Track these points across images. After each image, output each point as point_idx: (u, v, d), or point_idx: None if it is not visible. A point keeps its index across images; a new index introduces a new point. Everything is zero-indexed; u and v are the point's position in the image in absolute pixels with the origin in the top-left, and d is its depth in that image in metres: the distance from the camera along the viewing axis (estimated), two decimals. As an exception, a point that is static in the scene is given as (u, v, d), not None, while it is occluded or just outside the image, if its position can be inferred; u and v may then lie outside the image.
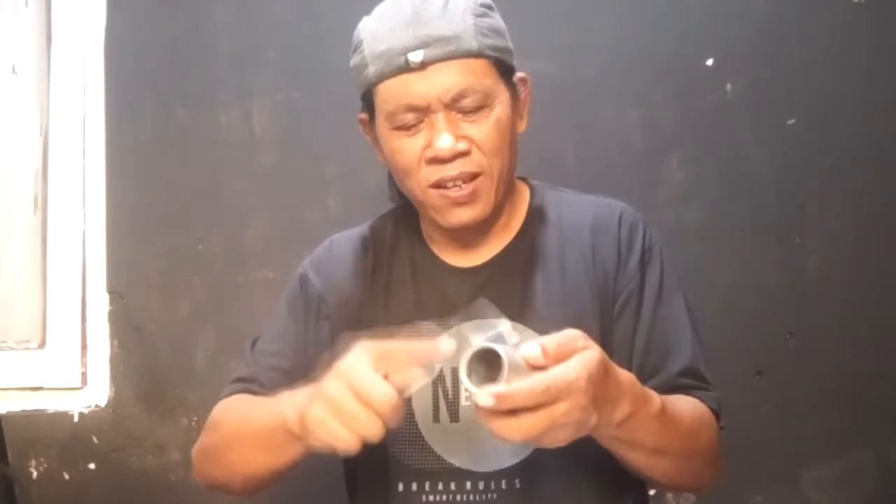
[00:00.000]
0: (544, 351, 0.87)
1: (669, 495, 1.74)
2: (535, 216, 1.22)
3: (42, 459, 1.77)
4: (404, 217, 1.26)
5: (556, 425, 0.86)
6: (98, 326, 1.80)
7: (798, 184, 1.78)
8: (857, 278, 1.76)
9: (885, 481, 1.73)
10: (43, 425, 1.77)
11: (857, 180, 1.78)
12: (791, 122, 1.79)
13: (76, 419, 1.78)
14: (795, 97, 1.79)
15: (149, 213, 1.82)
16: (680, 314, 1.17)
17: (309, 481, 1.41)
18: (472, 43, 1.09)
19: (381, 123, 1.14)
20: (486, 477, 1.12)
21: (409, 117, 1.11)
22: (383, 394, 0.88)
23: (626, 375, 0.96)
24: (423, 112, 1.10)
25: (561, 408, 0.85)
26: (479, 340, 0.86)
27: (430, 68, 1.08)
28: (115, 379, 1.79)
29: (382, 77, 1.10)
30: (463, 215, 1.13)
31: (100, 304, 1.81)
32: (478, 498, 1.12)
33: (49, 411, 1.78)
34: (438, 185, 1.12)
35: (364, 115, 1.19)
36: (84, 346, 1.80)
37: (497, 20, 1.15)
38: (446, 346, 0.90)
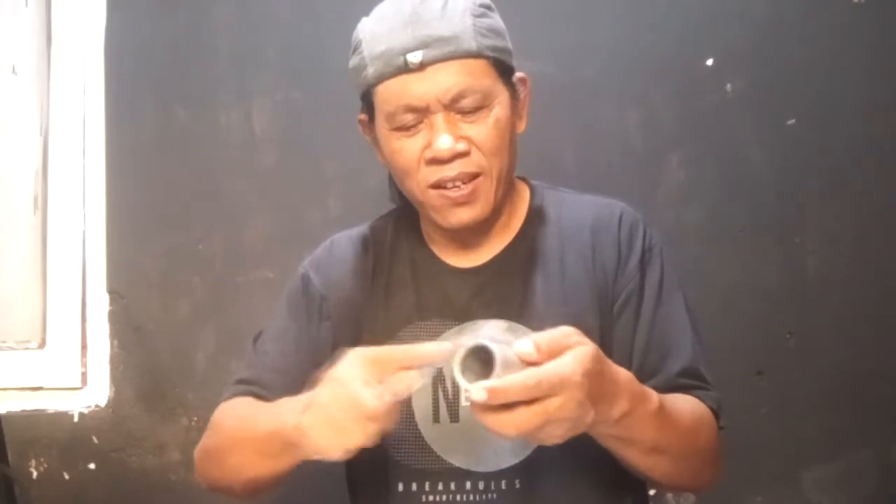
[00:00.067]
0: (537, 347, 0.87)
1: (669, 495, 1.74)
2: (535, 216, 1.22)
3: (42, 459, 1.77)
4: (404, 217, 1.26)
5: (551, 420, 0.86)
6: (98, 326, 1.80)
7: (798, 184, 1.78)
8: (857, 278, 1.76)
9: (885, 481, 1.73)
10: (43, 425, 1.77)
11: (857, 180, 1.78)
12: (791, 122, 1.79)
13: (76, 419, 1.78)
14: (795, 97, 1.79)
15: (149, 213, 1.82)
16: (680, 314, 1.17)
17: (310, 482, 1.41)
18: (471, 43, 1.09)
19: (381, 124, 1.14)
20: (486, 477, 1.12)
21: (409, 118, 1.11)
22: (373, 400, 0.88)
23: (622, 373, 0.96)
24: (422, 113, 1.10)
25: (555, 402, 0.85)
26: (472, 339, 0.87)
27: (430, 69, 1.08)
28: (115, 379, 1.79)
29: (382, 78, 1.11)
30: (463, 215, 1.13)
31: (100, 304, 1.81)
32: (478, 498, 1.12)
33: (49, 411, 1.78)
34: (438, 185, 1.12)
35: (363, 116, 1.19)
36: (84, 346, 1.80)
37: (496, 20, 1.15)
38: (440, 349, 0.90)
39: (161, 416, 1.78)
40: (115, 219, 1.82)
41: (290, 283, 1.26)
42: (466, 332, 1.13)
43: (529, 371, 0.86)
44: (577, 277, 1.16)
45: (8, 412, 1.69)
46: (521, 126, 1.19)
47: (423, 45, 1.08)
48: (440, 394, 1.14)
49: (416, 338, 1.15)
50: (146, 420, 1.79)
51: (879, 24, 1.78)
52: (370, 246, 1.24)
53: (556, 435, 0.89)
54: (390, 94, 1.11)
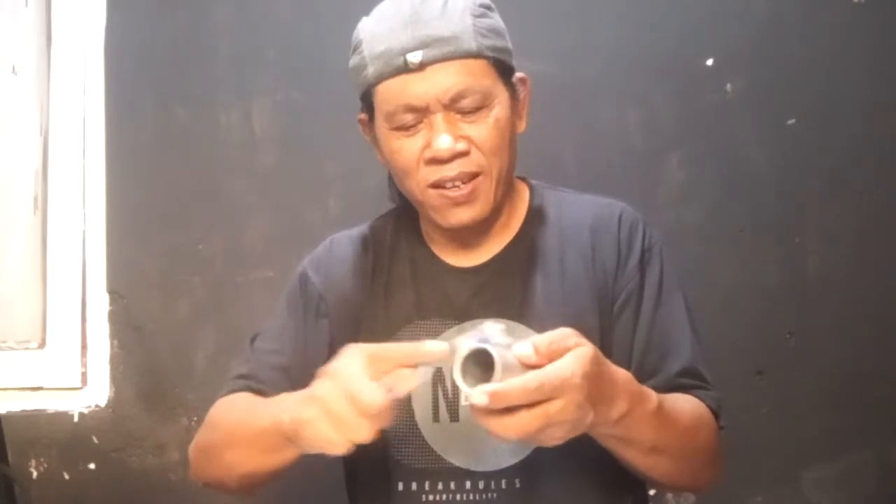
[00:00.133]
0: (536, 349, 0.87)
1: (669, 495, 1.74)
2: (535, 216, 1.22)
3: (42, 459, 1.77)
4: (404, 217, 1.26)
5: (551, 422, 0.86)
6: (98, 326, 1.80)
7: (798, 184, 1.78)
8: (857, 278, 1.76)
9: (885, 481, 1.73)
10: (43, 425, 1.77)
11: (857, 180, 1.78)
12: (791, 122, 1.79)
13: (76, 419, 1.78)
14: (795, 97, 1.79)
15: (149, 213, 1.82)
16: (679, 314, 1.17)
17: (309, 481, 1.41)
18: (470, 43, 1.09)
19: (381, 124, 1.14)
20: (486, 476, 1.12)
21: (408, 118, 1.11)
22: (372, 396, 0.88)
23: (621, 373, 0.96)
24: (422, 112, 1.10)
25: (556, 405, 0.86)
26: (472, 342, 0.87)
27: (429, 69, 1.08)
28: (115, 379, 1.79)
29: (381, 77, 1.11)
30: (462, 215, 1.13)
31: (100, 304, 1.81)
32: (478, 497, 1.12)
33: (49, 411, 1.78)
34: (437, 185, 1.12)
35: (363, 116, 1.19)
36: (84, 346, 1.80)
37: (496, 20, 1.15)
38: (438, 347, 0.90)
39: (161, 416, 1.79)
40: (115, 219, 1.82)
41: (289, 282, 1.26)
42: (466, 331, 1.13)
43: (530, 374, 0.86)
44: (576, 277, 1.16)
45: (8, 412, 1.69)
46: (521, 126, 1.19)
47: (422, 45, 1.08)
48: (440, 393, 1.14)
49: (415, 337, 1.14)
50: (146, 420, 1.79)
51: (879, 24, 1.78)
52: (370, 245, 1.24)
53: (556, 437, 0.89)
54: (390, 93, 1.11)
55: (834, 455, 1.74)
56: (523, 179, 1.27)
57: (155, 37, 1.84)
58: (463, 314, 1.16)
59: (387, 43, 1.09)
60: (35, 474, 1.76)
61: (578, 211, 1.22)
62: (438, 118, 1.10)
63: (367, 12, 1.16)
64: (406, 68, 1.08)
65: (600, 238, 1.18)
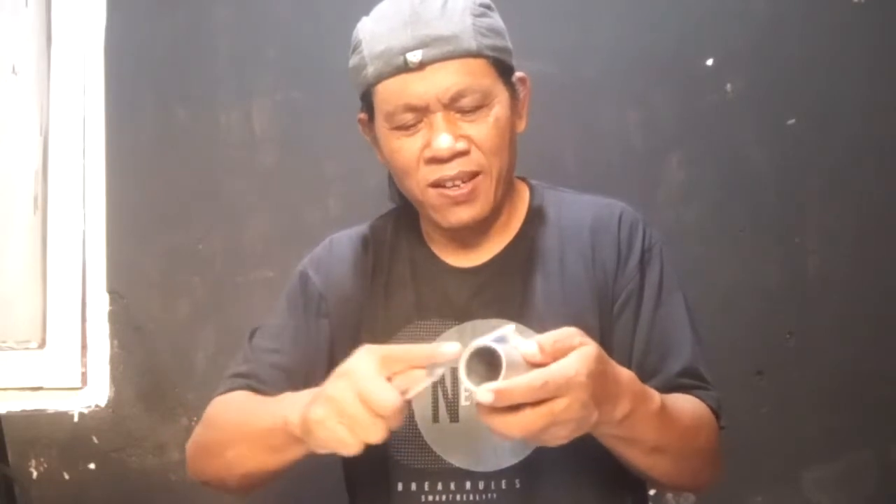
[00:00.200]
0: (541, 348, 0.87)
1: (669, 495, 1.74)
2: (535, 216, 1.22)
3: (42, 459, 1.77)
4: (404, 217, 1.26)
5: (556, 421, 0.86)
6: (98, 326, 1.80)
7: (798, 184, 1.78)
8: (857, 278, 1.76)
9: (885, 481, 1.73)
10: (43, 425, 1.77)
11: (857, 180, 1.78)
12: (791, 122, 1.79)
13: (76, 419, 1.78)
14: (795, 97, 1.79)
15: (149, 213, 1.82)
16: (679, 314, 1.17)
17: (309, 482, 1.41)
18: (470, 43, 1.09)
19: (381, 123, 1.14)
20: (486, 477, 1.12)
21: (408, 117, 1.11)
22: (387, 396, 0.88)
23: (624, 373, 0.97)
24: (421, 112, 1.10)
25: (561, 403, 0.85)
26: (486, 340, 0.87)
27: (429, 68, 1.08)
28: (115, 379, 1.79)
29: (381, 77, 1.11)
30: (462, 214, 1.13)
31: (100, 304, 1.81)
32: (478, 498, 1.12)
33: (49, 411, 1.78)
34: (437, 184, 1.12)
35: (363, 116, 1.19)
36: (84, 346, 1.80)
37: (496, 20, 1.15)
38: (450, 348, 0.90)
39: (161, 416, 1.78)
40: (115, 219, 1.82)
41: (289, 282, 1.26)
42: (467, 332, 1.13)
43: (535, 373, 0.85)
44: (576, 277, 1.16)
45: (8, 412, 1.69)
46: (521, 126, 1.19)
47: (422, 45, 1.08)
48: (440, 393, 1.14)
49: (415, 337, 1.15)
50: (146, 420, 1.79)
51: (879, 24, 1.78)
52: (370, 245, 1.24)
53: (560, 436, 0.89)
54: (390, 93, 1.11)
55: (834, 455, 1.74)
56: (523, 179, 1.27)
57: (155, 37, 1.84)
58: (463, 314, 1.16)
59: (386, 42, 1.09)
60: (35, 474, 1.76)
61: (578, 211, 1.22)
62: (438, 117, 1.10)
63: (366, 12, 1.16)
64: (406, 68, 1.08)
65: (600, 238, 1.18)
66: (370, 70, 1.11)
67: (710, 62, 1.80)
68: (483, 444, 1.12)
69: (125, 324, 1.80)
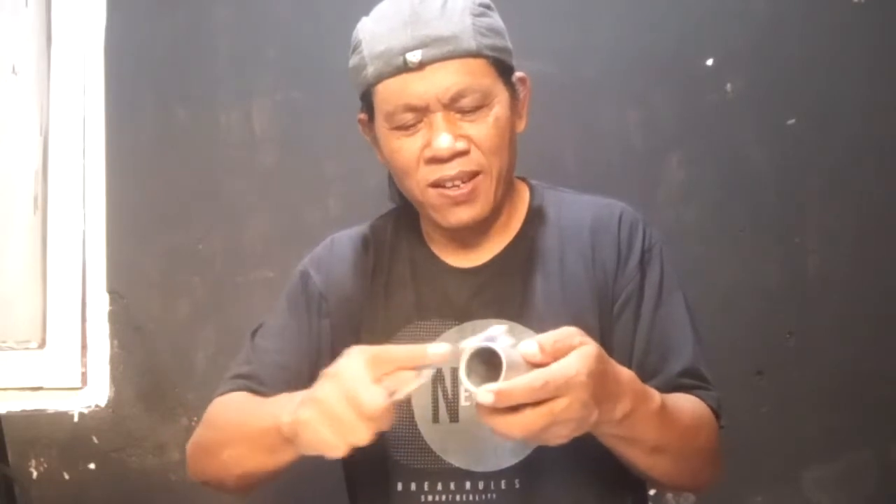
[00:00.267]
0: (541, 348, 0.87)
1: (669, 495, 1.74)
2: (535, 216, 1.22)
3: (42, 459, 1.77)
4: (404, 217, 1.26)
5: (556, 421, 0.86)
6: (98, 326, 1.80)
7: (798, 184, 1.78)
8: (857, 278, 1.76)
9: (885, 481, 1.73)
10: (43, 425, 1.77)
11: (857, 180, 1.78)
12: (791, 122, 1.79)
13: (76, 419, 1.78)
14: (795, 97, 1.79)
15: (149, 213, 1.82)
16: (680, 314, 1.17)
17: (309, 482, 1.41)
18: (470, 43, 1.09)
19: (381, 123, 1.14)
20: (486, 477, 1.12)
21: (408, 117, 1.11)
22: (373, 398, 0.88)
23: (625, 372, 0.97)
24: (421, 112, 1.10)
25: (561, 403, 0.86)
26: (477, 341, 0.87)
27: (429, 68, 1.08)
28: (115, 379, 1.79)
29: (381, 77, 1.11)
30: (462, 214, 1.13)
31: (100, 304, 1.81)
32: (477, 498, 1.12)
33: (49, 411, 1.78)
34: (437, 184, 1.12)
35: (363, 116, 1.19)
36: (84, 346, 1.80)
37: (496, 20, 1.15)
38: (439, 349, 0.90)
39: (161, 416, 1.78)
40: (115, 219, 1.82)
41: (289, 281, 1.26)
42: (467, 332, 1.13)
43: (536, 373, 0.86)
44: (576, 277, 1.16)
45: (8, 412, 1.69)
46: (521, 125, 1.19)
47: (422, 45, 1.08)
48: (440, 394, 1.14)
49: (415, 337, 1.15)
50: (146, 420, 1.79)
51: (879, 24, 1.78)
52: (370, 245, 1.24)
53: (561, 435, 0.89)
54: (390, 93, 1.11)
55: (834, 455, 1.74)
56: (523, 179, 1.27)
57: (155, 37, 1.84)
58: (463, 314, 1.16)
59: (386, 43, 1.09)
60: (35, 474, 1.76)
61: (578, 211, 1.22)
62: (438, 117, 1.10)
63: (366, 12, 1.16)
64: (406, 68, 1.08)
65: (600, 238, 1.18)
66: (370, 70, 1.11)
67: (710, 62, 1.80)
68: (483, 445, 1.12)
69: (125, 324, 1.80)
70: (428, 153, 1.11)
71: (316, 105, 1.81)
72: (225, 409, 1.16)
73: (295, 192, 1.82)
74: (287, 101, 1.83)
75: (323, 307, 1.21)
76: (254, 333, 1.24)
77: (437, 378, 1.13)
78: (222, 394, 1.18)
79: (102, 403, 1.79)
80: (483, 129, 1.11)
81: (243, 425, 1.08)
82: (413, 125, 1.11)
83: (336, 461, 1.00)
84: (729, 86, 1.79)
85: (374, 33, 1.12)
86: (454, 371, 1.08)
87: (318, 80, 1.80)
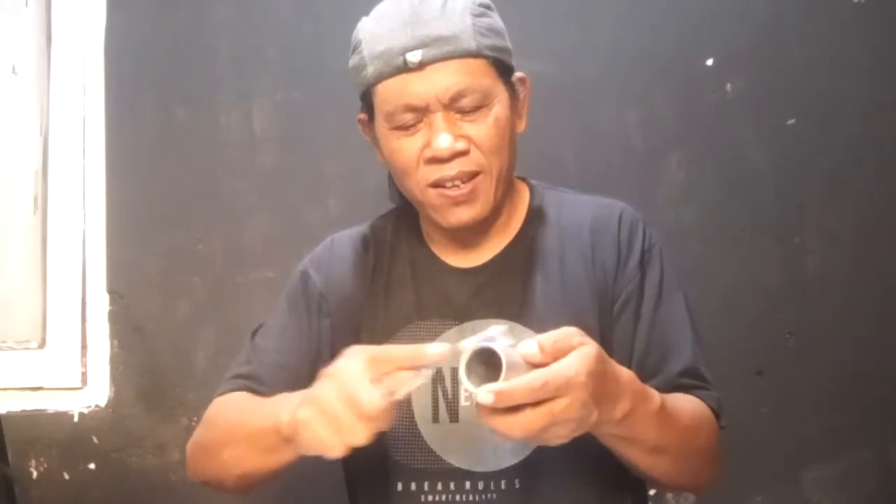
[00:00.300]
0: (541, 348, 0.87)
1: (669, 495, 1.74)
2: (535, 216, 1.22)
3: (42, 459, 1.77)
4: (404, 217, 1.26)
5: (556, 421, 0.86)
6: (98, 326, 1.80)
7: (798, 184, 1.78)
8: (857, 278, 1.76)
9: (885, 481, 1.73)
10: (43, 425, 1.77)
11: (857, 180, 1.78)
12: (791, 122, 1.79)
13: (76, 419, 1.78)
14: (795, 97, 1.79)
15: (149, 213, 1.82)
16: (680, 314, 1.17)
17: (309, 482, 1.41)
18: (470, 43, 1.09)
19: (380, 123, 1.14)
20: (486, 477, 1.12)
21: (408, 117, 1.11)
22: (371, 398, 0.88)
23: (624, 372, 0.97)
24: (421, 112, 1.10)
25: (561, 403, 0.86)
26: (476, 341, 0.87)
27: (429, 68, 1.08)
28: (115, 379, 1.79)
29: (381, 77, 1.11)
30: (462, 214, 1.13)
31: (100, 304, 1.81)
32: (477, 498, 1.12)
33: (49, 411, 1.78)
34: (437, 184, 1.12)
35: (363, 116, 1.19)
36: (84, 346, 1.80)
37: (496, 20, 1.15)
38: (439, 349, 0.90)
39: (161, 416, 1.79)
40: (115, 219, 1.82)
41: (289, 281, 1.26)
42: (467, 332, 1.13)
43: (535, 373, 0.86)
44: (576, 277, 1.16)
45: (8, 412, 1.69)
46: (521, 126, 1.19)
47: (422, 45, 1.08)
48: (440, 394, 1.14)
49: (415, 337, 1.15)
50: (146, 420, 1.79)
51: (879, 24, 1.78)
52: (370, 245, 1.24)
53: (560, 435, 0.89)
54: (390, 93, 1.11)
55: (834, 455, 1.74)
56: (523, 179, 1.27)
57: (155, 37, 1.84)
58: (463, 314, 1.16)
59: (386, 43, 1.09)
60: (35, 474, 1.76)
61: (578, 211, 1.22)
62: (438, 117, 1.10)
63: (366, 12, 1.16)
64: (406, 68, 1.08)
65: (600, 238, 1.18)
66: (370, 70, 1.11)
67: (710, 62, 1.80)
68: (483, 445, 1.12)
69: (125, 324, 1.80)
70: (428, 153, 1.11)
71: (316, 105, 1.81)
72: (225, 410, 1.16)
73: (295, 192, 1.82)
74: (287, 101, 1.83)
75: (323, 307, 1.21)
76: (254, 334, 1.24)
77: (437, 378, 1.13)
78: (222, 394, 1.19)
79: (102, 403, 1.79)
80: (483, 129, 1.11)
81: (243, 425, 1.08)
82: (413, 125, 1.11)
83: (336, 461, 1.00)
84: (729, 86, 1.79)
85: (374, 33, 1.12)
86: (454, 371, 1.08)
87: (318, 80, 1.80)
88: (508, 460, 1.12)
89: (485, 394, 0.84)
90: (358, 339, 1.13)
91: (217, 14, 1.84)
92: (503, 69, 1.13)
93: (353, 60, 1.15)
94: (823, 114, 1.78)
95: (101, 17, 1.84)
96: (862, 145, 1.78)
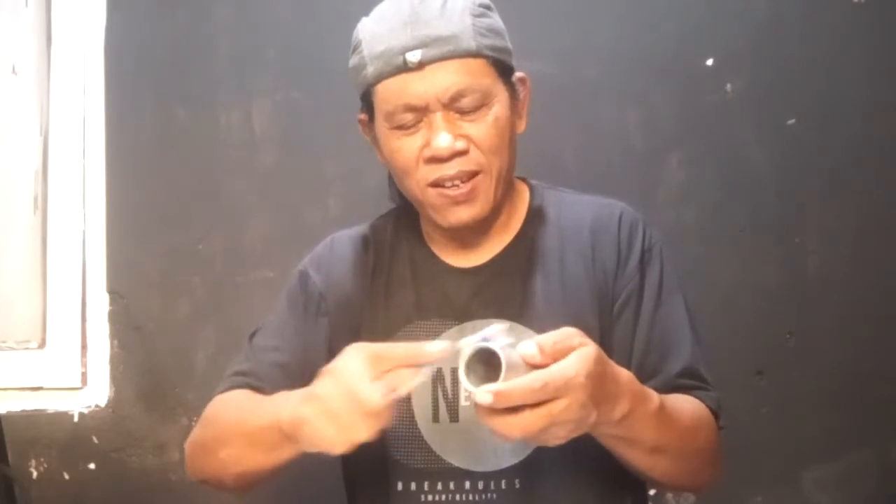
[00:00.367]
0: (541, 349, 0.87)
1: (669, 495, 1.74)
2: (535, 216, 1.22)
3: (42, 459, 1.77)
4: (404, 217, 1.26)
5: (555, 422, 0.86)
6: (98, 326, 1.80)
7: (798, 184, 1.78)
8: (857, 278, 1.76)
9: (885, 481, 1.73)
10: (43, 425, 1.77)
11: (857, 180, 1.78)
12: (791, 122, 1.79)
13: (76, 419, 1.78)
14: (795, 97, 1.79)
15: (149, 213, 1.82)
16: (679, 315, 1.17)
17: (308, 481, 1.41)
18: (470, 42, 1.09)
19: (380, 123, 1.15)
20: (486, 477, 1.12)
21: (408, 117, 1.11)
22: (373, 395, 0.88)
23: (623, 373, 0.97)
24: (421, 112, 1.10)
25: (560, 404, 0.86)
26: (475, 339, 0.87)
27: (429, 68, 1.08)
28: (115, 379, 1.79)
29: (381, 77, 1.11)
30: (462, 214, 1.13)
31: (100, 304, 1.81)
32: (477, 498, 1.12)
33: (49, 411, 1.78)
34: (437, 184, 1.12)
35: (363, 116, 1.20)
36: (84, 346, 1.80)
37: (496, 20, 1.15)
38: (440, 347, 0.90)
39: (161, 416, 1.78)
40: (115, 219, 1.82)
41: (289, 280, 1.26)
42: (467, 331, 1.13)
43: (535, 374, 0.86)
44: (576, 277, 1.16)
45: (8, 412, 1.69)
46: (521, 126, 1.19)
47: (422, 45, 1.08)
48: (439, 393, 1.14)
49: (415, 337, 1.15)
50: (146, 420, 1.79)
51: (879, 24, 1.78)
52: (370, 245, 1.25)
53: (559, 436, 0.89)
54: (389, 93, 1.11)
55: (834, 455, 1.74)
56: (523, 179, 1.27)
57: (155, 37, 1.84)
58: (463, 314, 1.16)
59: (386, 42, 1.10)
60: (35, 474, 1.76)
61: (578, 211, 1.22)
62: (438, 117, 1.10)
63: (367, 12, 1.16)
64: (405, 67, 1.09)
65: (600, 238, 1.18)
66: (370, 70, 1.11)
67: (710, 62, 1.80)
68: (483, 444, 1.12)
69: (125, 324, 1.80)
70: (427, 153, 1.11)
71: (316, 105, 1.81)
72: (224, 408, 1.16)
73: (295, 192, 1.82)
74: (287, 101, 1.83)
75: (322, 307, 1.22)
76: (253, 334, 1.24)
77: (437, 378, 1.13)
78: (221, 392, 1.18)
79: (102, 403, 1.79)
80: (482, 128, 1.11)
81: (242, 423, 1.08)
82: (413, 125, 1.11)
83: (335, 460, 1.00)
84: (729, 86, 1.79)
85: (374, 33, 1.12)
86: (454, 371, 1.08)
87: (318, 80, 1.80)
88: (508, 460, 1.12)
89: (484, 394, 0.84)
90: (357, 339, 1.12)
91: (217, 14, 1.84)
92: (503, 69, 1.13)
93: (353, 60, 1.15)
94: (823, 114, 1.78)
95: (101, 17, 1.84)
96: (862, 145, 1.78)
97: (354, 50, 1.14)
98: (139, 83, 1.84)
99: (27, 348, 1.82)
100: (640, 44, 1.80)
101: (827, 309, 1.76)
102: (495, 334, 0.89)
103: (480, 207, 1.13)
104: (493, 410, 0.86)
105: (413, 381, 0.91)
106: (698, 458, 1.10)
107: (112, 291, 1.81)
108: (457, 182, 1.12)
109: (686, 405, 1.09)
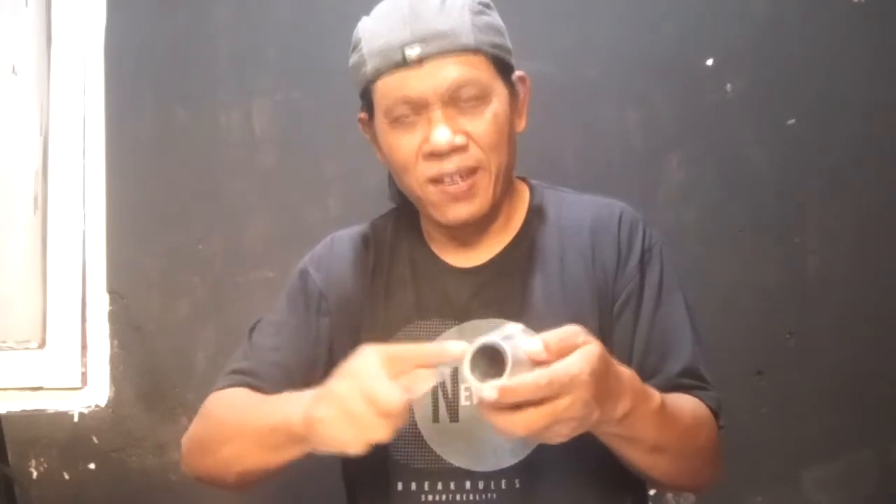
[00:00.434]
0: (546, 346, 0.87)
1: (669, 495, 1.74)
2: (535, 216, 1.22)
3: (42, 459, 1.77)
4: (404, 217, 1.26)
5: (558, 420, 0.86)
6: (98, 326, 1.80)
7: (798, 184, 1.78)
8: (857, 278, 1.76)
9: (885, 481, 1.73)
10: (43, 425, 1.77)
11: (857, 180, 1.78)
12: (791, 122, 1.79)
13: (76, 419, 1.78)
14: (795, 97, 1.79)
15: (149, 213, 1.82)
16: (679, 314, 1.17)
17: (309, 481, 1.41)
18: (468, 38, 1.09)
19: (380, 119, 1.15)
20: (486, 477, 1.12)
21: (407, 112, 1.11)
22: (392, 396, 0.88)
23: (626, 371, 0.97)
24: (420, 107, 1.10)
25: (564, 402, 0.86)
26: (484, 337, 0.87)
27: (427, 63, 1.09)
28: (115, 379, 1.79)
29: (380, 73, 1.11)
30: (461, 211, 1.13)
31: (100, 304, 1.81)
32: (477, 498, 1.12)
33: (49, 411, 1.78)
34: (436, 180, 1.12)
35: (363, 115, 1.20)
36: (84, 346, 1.80)
37: (495, 18, 1.15)
38: (457, 347, 0.90)
39: (161, 416, 1.78)
40: (115, 219, 1.82)
41: (289, 279, 1.26)
42: (467, 332, 1.13)
43: (540, 371, 0.86)
44: (576, 277, 1.16)
45: (8, 412, 1.69)
46: (521, 125, 1.19)
47: (420, 40, 1.08)
48: (440, 393, 1.14)
49: (415, 337, 1.15)
50: (146, 420, 1.79)
51: (879, 24, 1.78)
52: (370, 244, 1.25)
53: (562, 434, 0.89)
54: (388, 88, 1.11)
55: (834, 455, 1.74)
56: (523, 179, 1.27)
57: (155, 37, 1.84)
58: (463, 314, 1.16)
59: (385, 39, 1.10)
60: (35, 474, 1.76)
61: (578, 211, 1.22)
62: (437, 113, 1.10)
63: (366, 12, 1.16)
64: (404, 63, 1.09)
65: (600, 238, 1.18)
66: (369, 66, 1.11)
67: (710, 62, 1.80)
68: (483, 444, 1.12)
69: (125, 324, 1.80)
70: (426, 148, 1.11)
71: (316, 105, 1.81)
72: (225, 405, 1.15)
73: (295, 192, 1.82)
74: (287, 101, 1.83)
75: (322, 306, 1.21)
76: (252, 330, 1.24)
77: (438, 378, 1.13)
78: (219, 389, 1.18)
79: (102, 403, 1.79)
80: (481, 124, 1.11)
81: (246, 423, 1.08)
82: (412, 121, 1.11)
83: (335, 460, 1.00)
84: (729, 86, 1.79)
85: (374, 31, 1.12)
86: (454, 370, 1.08)
87: (318, 80, 1.80)
88: (508, 460, 1.12)
89: (490, 390, 0.84)
90: (357, 339, 1.13)
91: (217, 14, 1.84)
92: (502, 67, 1.14)
93: (352, 59, 1.15)
94: (823, 114, 1.78)
95: (101, 17, 1.84)
96: (862, 145, 1.78)
97: (354, 48, 1.14)
98: (139, 83, 1.84)
99: (27, 348, 1.82)
100: (640, 44, 1.80)
101: (827, 309, 1.76)
102: (515, 334, 0.88)
103: (480, 204, 1.13)
104: (497, 407, 0.86)
105: (430, 382, 0.91)
106: (698, 457, 1.10)
107: (112, 291, 1.81)
108: (456, 178, 1.11)
109: (686, 404, 1.09)
